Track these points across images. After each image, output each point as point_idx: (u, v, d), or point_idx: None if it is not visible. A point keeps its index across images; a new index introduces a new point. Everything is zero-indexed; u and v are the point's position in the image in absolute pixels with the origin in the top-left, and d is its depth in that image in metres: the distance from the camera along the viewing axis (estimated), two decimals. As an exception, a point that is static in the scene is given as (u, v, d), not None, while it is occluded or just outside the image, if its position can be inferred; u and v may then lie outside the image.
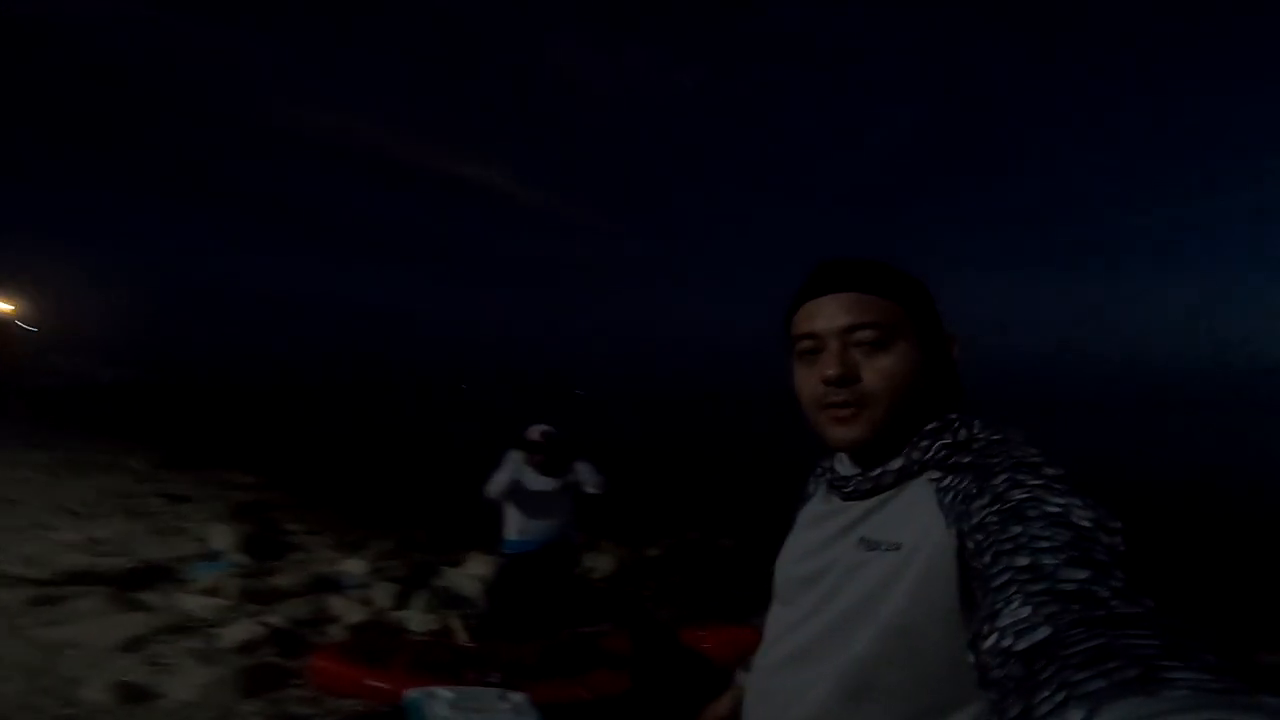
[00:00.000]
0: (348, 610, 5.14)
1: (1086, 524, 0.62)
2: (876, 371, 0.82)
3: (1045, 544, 0.60)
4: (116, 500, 9.61)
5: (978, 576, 0.65)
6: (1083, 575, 0.55)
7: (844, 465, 0.91)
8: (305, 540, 7.84)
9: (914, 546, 0.77)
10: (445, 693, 2.62)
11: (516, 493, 4.36)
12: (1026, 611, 0.54)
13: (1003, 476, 0.72)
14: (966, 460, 0.79)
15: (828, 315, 0.84)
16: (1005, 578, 0.59)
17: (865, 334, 0.82)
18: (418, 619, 4.97)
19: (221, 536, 6.95)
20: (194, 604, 4.96)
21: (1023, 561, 0.59)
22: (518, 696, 2.66)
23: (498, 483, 4.25)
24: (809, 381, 0.86)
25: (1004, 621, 0.54)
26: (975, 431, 0.83)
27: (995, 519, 0.67)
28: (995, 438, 0.81)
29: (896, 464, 0.83)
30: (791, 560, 0.96)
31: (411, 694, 2.59)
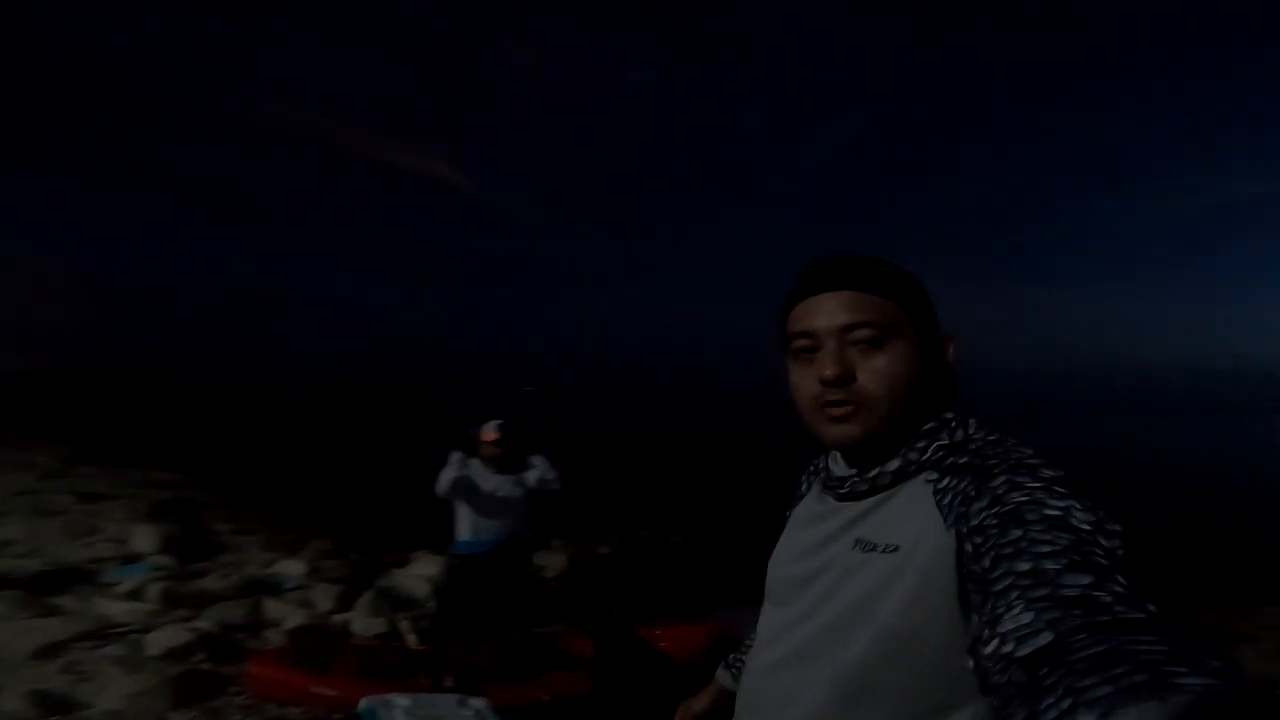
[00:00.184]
0: (285, 613, 4.89)
1: (1086, 527, 0.61)
2: (874, 371, 0.81)
3: (1046, 548, 0.59)
4: (22, 499, 8.94)
5: (977, 580, 0.64)
6: (1085, 580, 0.54)
7: (839, 465, 0.89)
8: (235, 540, 7.45)
9: (912, 548, 0.76)
10: (401, 700, 2.49)
11: (468, 491, 4.23)
12: (1029, 617, 0.53)
13: (1001, 478, 0.71)
14: (963, 461, 0.78)
15: (824, 314, 0.83)
16: (1006, 583, 0.58)
17: (863, 333, 0.81)
18: (363, 622, 4.76)
19: (142, 537, 6.54)
20: (114, 609, 4.64)
21: (1024, 566, 0.58)
22: (478, 702, 2.55)
23: (446, 479, 4.10)
24: (805, 381, 0.85)
25: (1006, 627, 0.54)
26: (972, 432, 0.82)
27: (994, 521, 0.66)
28: (992, 439, 0.80)
29: (893, 465, 0.82)
30: (785, 561, 0.94)
31: (366, 702, 2.45)
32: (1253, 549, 9.82)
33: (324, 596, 5.26)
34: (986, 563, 0.63)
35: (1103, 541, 0.60)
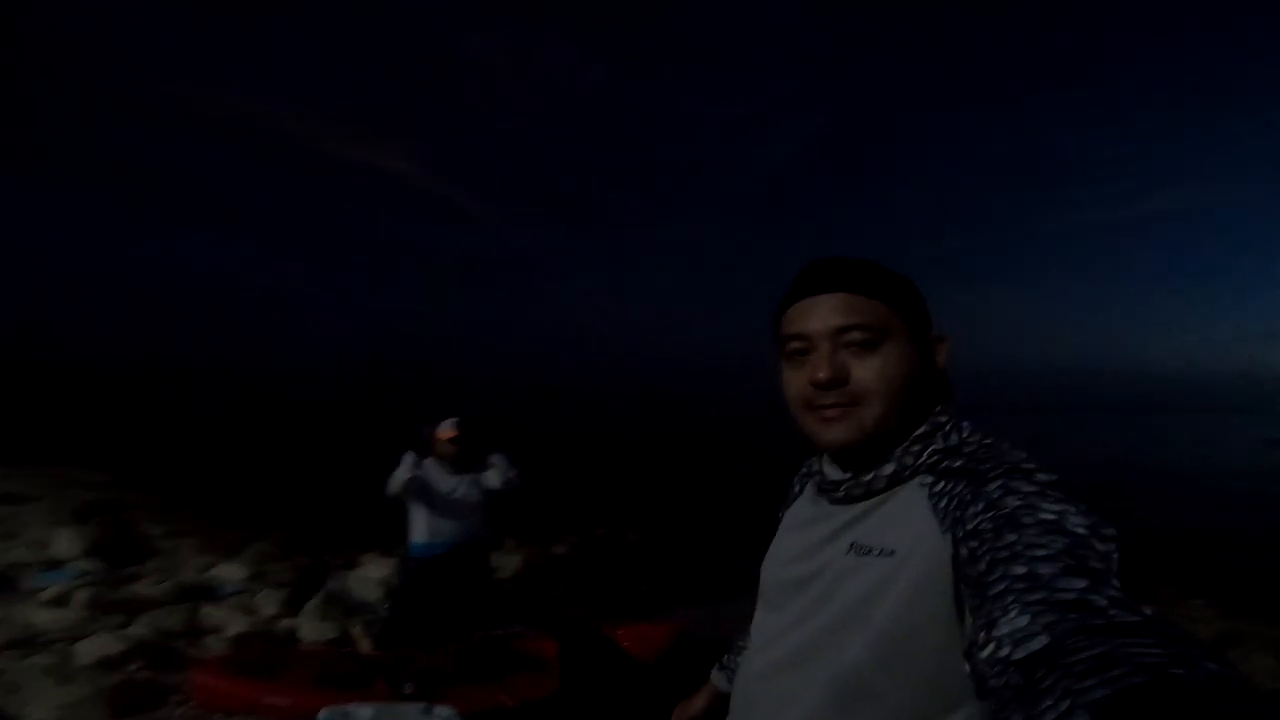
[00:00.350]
0: (227, 619, 4.66)
1: (1081, 531, 0.62)
2: (867, 373, 0.81)
3: (1041, 552, 0.60)
4: (-71, 500, 8.32)
5: (973, 584, 0.64)
6: (1080, 584, 0.55)
7: (833, 468, 0.89)
8: (168, 544, 7.08)
9: (908, 552, 0.76)
10: (364, 710, 2.37)
11: (423, 492, 4.10)
12: (1024, 620, 0.54)
13: (996, 483, 0.71)
14: (958, 465, 0.78)
15: (818, 316, 0.83)
16: (1002, 586, 0.59)
17: (856, 335, 0.81)
18: (311, 627, 4.57)
19: (65, 541, 6.15)
20: (39, 616, 4.34)
21: (1019, 570, 0.59)
22: (444, 710, 2.46)
23: (398, 480, 3.95)
24: (797, 382, 0.85)
25: (1001, 631, 0.55)
26: (966, 435, 0.82)
27: (990, 526, 0.66)
28: (987, 442, 0.81)
29: (889, 469, 0.82)
30: (779, 564, 0.94)
31: (326, 713, 2.33)
32: (1145, 543, 10.39)
33: (267, 601, 5.03)
34: (982, 567, 0.63)
35: (1097, 546, 0.61)
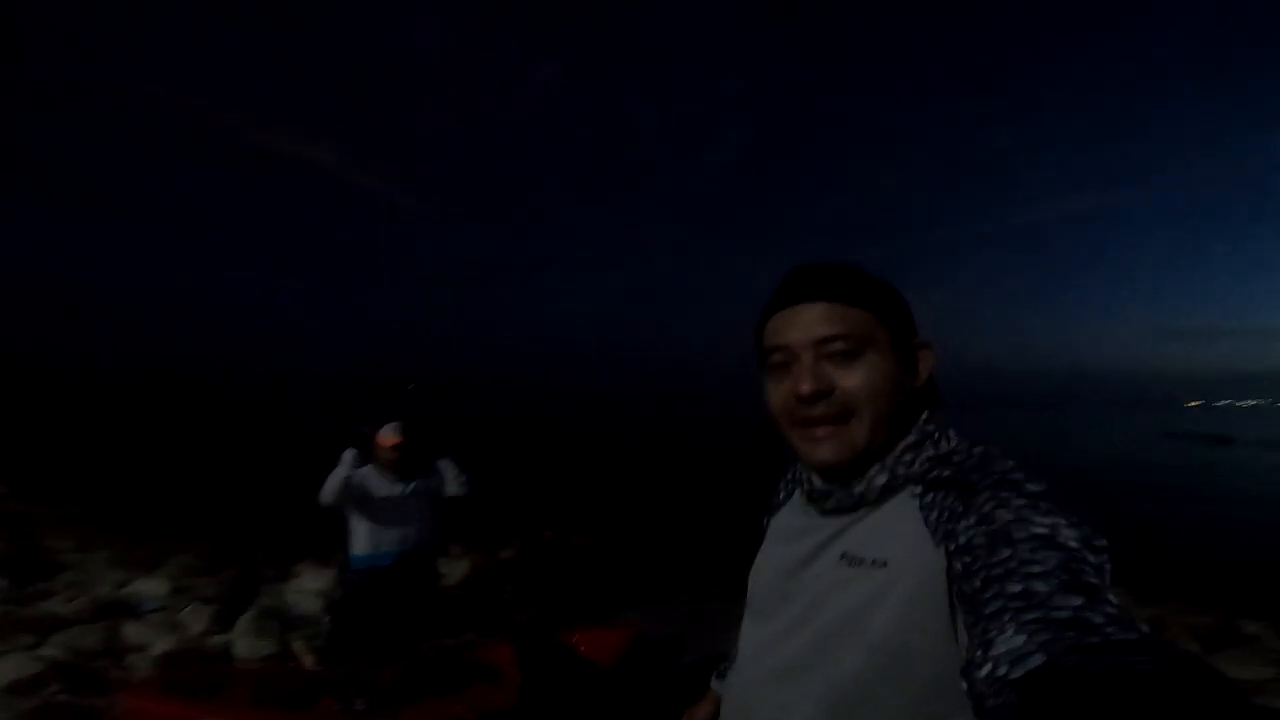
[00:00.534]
0: (150, 637, 4.36)
1: (1074, 544, 0.63)
2: (851, 384, 0.80)
3: (1036, 568, 0.60)
4: None
5: (967, 600, 0.65)
6: (1076, 602, 0.56)
7: (819, 479, 0.88)
8: (78, 558, 6.58)
9: (901, 564, 0.76)
10: (317, 728, 2.24)
11: (363, 500, 3.93)
12: (1021, 640, 0.54)
13: (986, 495, 0.72)
14: (947, 474, 0.78)
15: (799, 327, 0.82)
16: (997, 605, 0.59)
17: (838, 345, 0.80)
18: (246, 643, 4.31)
19: (-39, 558, 5.64)
20: (-63, 641, 3.94)
21: (1015, 588, 0.59)
22: (403, 725, 2.35)
23: (333, 485, 3.77)
24: (780, 395, 0.84)
25: (998, 650, 0.55)
26: (954, 444, 0.83)
27: (982, 541, 0.67)
28: (976, 450, 0.81)
29: (880, 480, 0.82)
30: (768, 573, 0.94)
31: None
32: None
33: (195, 617, 4.74)
34: (977, 583, 0.64)
35: (1090, 559, 0.62)
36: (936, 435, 0.83)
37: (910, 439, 0.83)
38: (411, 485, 4.12)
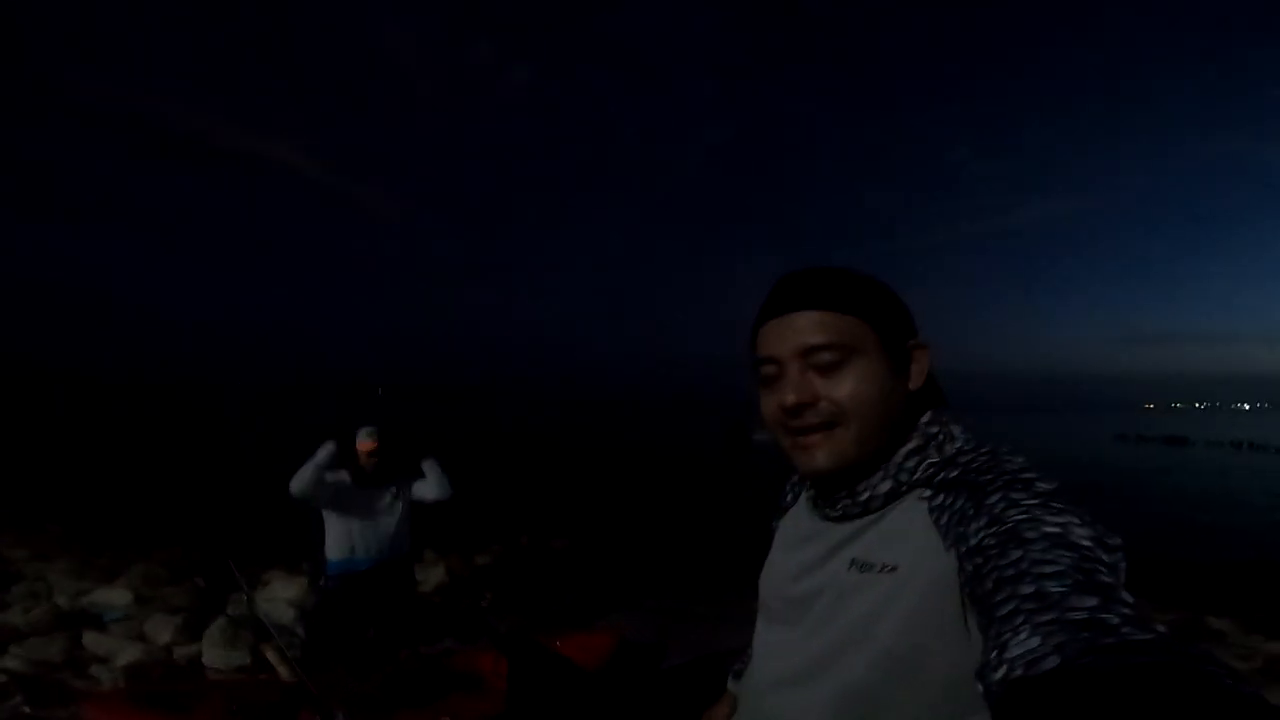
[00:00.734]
0: (115, 648, 4.22)
1: (1087, 544, 0.62)
2: (838, 393, 0.79)
3: (1049, 569, 0.59)
4: None
5: (980, 602, 0.64)
6: (1091, 602, 0.55)
7: (832, 484, 0.87)
8: (34, 568, 6.35)
9: (911, 568, 0.76)
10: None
11: (338, 504, 3.84)
12: (1035, 642, 0.53)
13: (997, 495, 0.71)
14: (954, 476, 0.78)
15: (786, 337, 0.81)
16: (1011, 606, 0.58)
17: (825, 355, 0.79)
18: (217, 654, 4.18)
19: (-89, 568, 5.40)
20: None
21: (1028, 589, 0.58)
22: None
23: (307, 474, 3.68)
24: (770, 406, 0.84)
25: (1013, 653, 0.54)
26: (960, 445, 0.82)
27: (993, 542, 0.66)
28: (983, 451, 0.80)
29: (884, 487, 0.81)
30: (779, 578, 0.93)
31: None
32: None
33: (161, 627, 4.59)
34: (989, 585, 0.63)
35: (1104, 557, 0.62)
36: (941, 437, 0.82)
37: (913, 443, 0.82)
38: (388, 491, 4.05)
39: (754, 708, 0.91)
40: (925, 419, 0.84)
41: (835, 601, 0.81)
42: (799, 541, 0.91)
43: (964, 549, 0.70)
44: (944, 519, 0.75)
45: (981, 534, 0.68)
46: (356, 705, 2.99)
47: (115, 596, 5.34)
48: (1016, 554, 0.62)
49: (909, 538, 0.77)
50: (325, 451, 3.81)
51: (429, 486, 4.16)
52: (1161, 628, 0.53)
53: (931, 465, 0.80)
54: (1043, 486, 0.70)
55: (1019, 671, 0.53)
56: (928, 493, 0.79)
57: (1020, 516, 0.66)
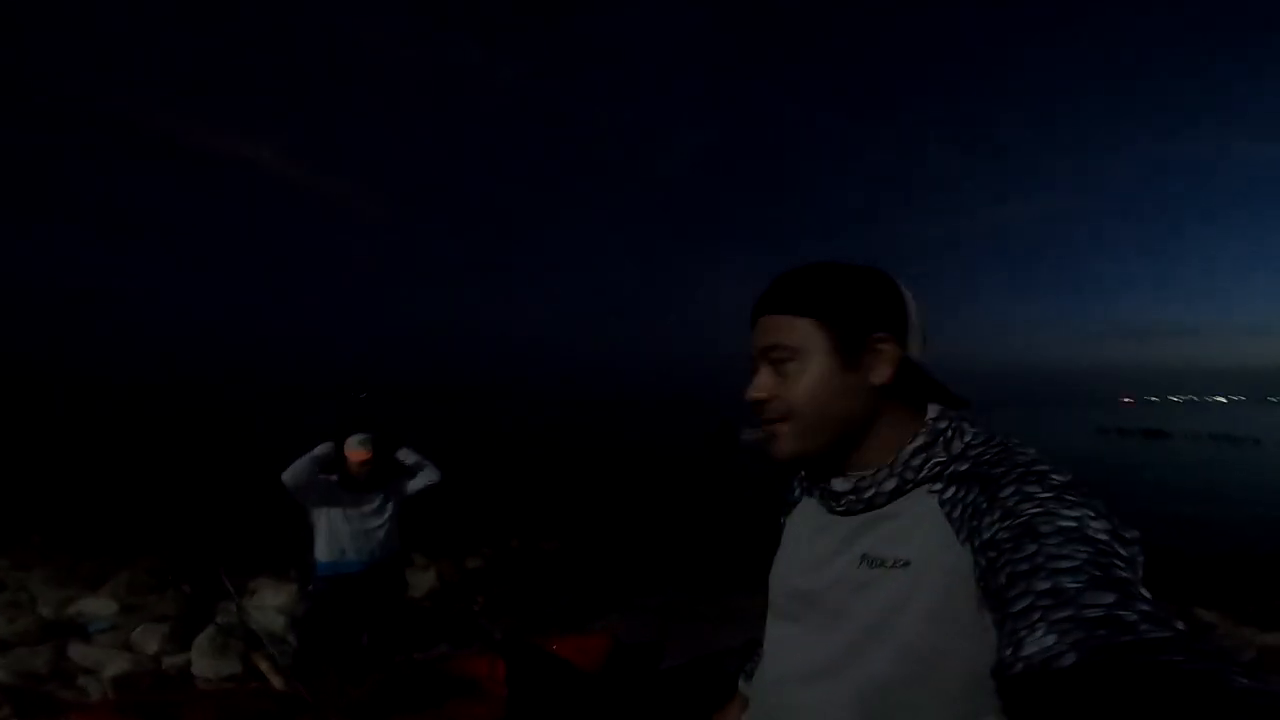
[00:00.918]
0: (102, 658, 4.14)
1: (1103, 537, 0.62)
2: (788, 390, 0.83)
3: (1065, 564, 0.59)
4: None
5: (994, 597, 0.64)
6: (1108, 599, 0.55)
7: (837, 479, 0.87)
8: (14, 577, 6.22)
9: (924, 563, 0.75)
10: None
11: (329, 508, 3.79)
12: (1052, 640, 0.53)
13: (1011, 488, 0.70)
14: (965, 469, 0.77)
15: (755, 338, 0.87)
16: (1026, 603, 0.58)
17: (777, 354, 0.84)
18: (207, 663, 4.11)
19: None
20: None
21: (1043, 585, 0.58)
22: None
23: (301, 467, 3.62)
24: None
25: (1029, 650, 0.54)
26: (969, 439, 0.81)
27: (1007, 536, 0.65)
28: (995, 443, 0.80)
29: (890, 484, 0.82)
30: (790, 574, 0.93)
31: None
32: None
33: (148, 637, 4.52)
34: (1003, 580, 0.62)
35: (1121, 551, 0.61)
36: (950, 434, 0.81)
37: (920, 440, 0.82)
38: (379, 496, 4.00)
39: (771, 706, 0.90)
40: (933, 415, 0.84)
41: (849, 597, 0.81)
42: (809, 536, 0.91)
43: (978, 543, 0.69)
44: (956, 512, 0.74)
45: (995, 528, 0.67)
46: (352, 713, 2.96)
47: (100, 606, 5.25)
48: (1031, 548, 0.62)
49: (920, 532, 0.77)
50: (323, 448, 3.77)
51: (419, 478, 4.11)
52: (1181, 625, 0.52)
53: (938, 463, 0.79)
54: (1057, 479, 0.69)
55: (1035, 669, 0.52)
56: (939, 486, 0.78)
57: (1034, 510, 0.65)
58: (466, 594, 5.87)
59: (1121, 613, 0.53)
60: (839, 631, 0.81)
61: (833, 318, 0.82)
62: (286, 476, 3.61)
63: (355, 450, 3.86)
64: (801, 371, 0.83)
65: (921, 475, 0.80)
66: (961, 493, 0.75)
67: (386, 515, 4.02)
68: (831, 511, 0.87)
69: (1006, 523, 0.66)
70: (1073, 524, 0.63)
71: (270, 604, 5.26)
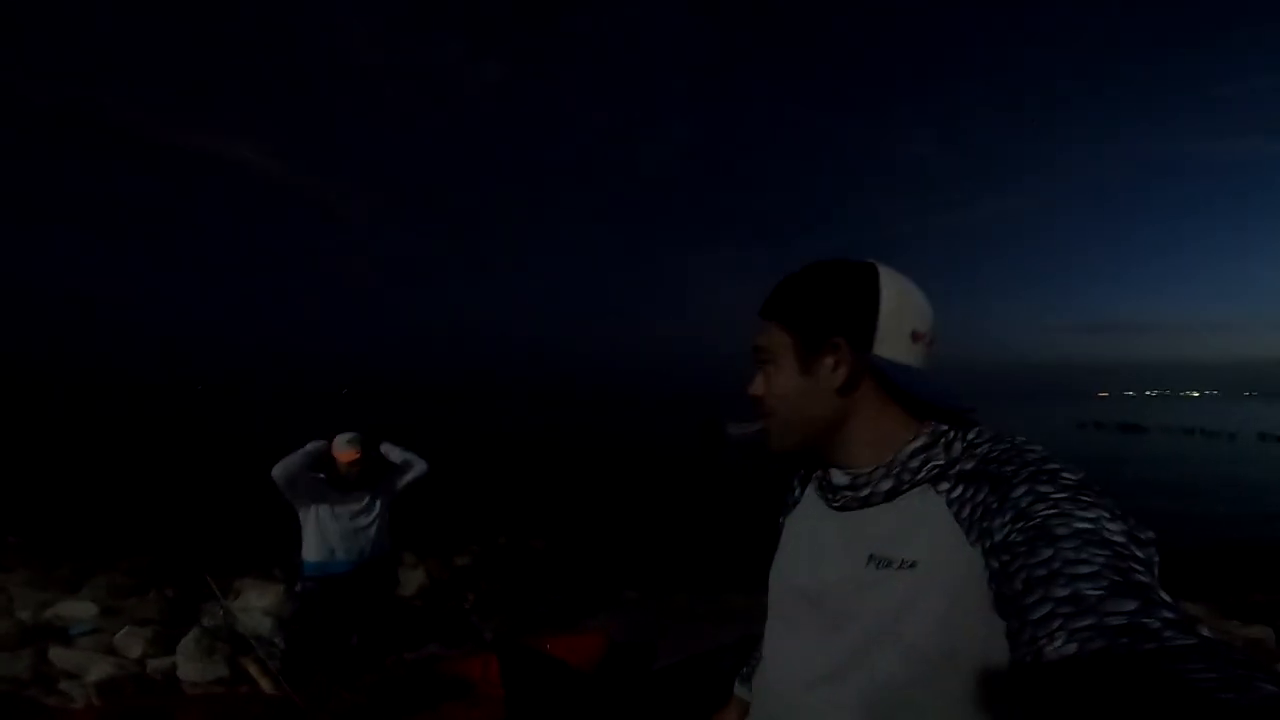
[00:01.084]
0: (85, 663, 4.05)
1: (1120, 539, 0.61)
2: (769, 390, 0.88)
3: (1083, 569, 0.58)
4: None
5: (1010, 603, 0.62)
6: (1130, 606, 0.54)
7: (837, 474, 0.87)
8: (-10, 579, 6.08)
9: (932, 564, 0.74)
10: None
11: (316, 504, 3.73)
12: (1073, 649, 0.52)
13: (1022, 488, 0.68)
14: (971, 467, 0.75)
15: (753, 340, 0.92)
16: (1045, 610, 0.57)
17: (759, 356, 0.89)
18: (193, 667, 4.02)
19: None
20: None
21: (1062, 592, 0.57)
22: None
23: (290, 462, 3.56)
24: None
25: (1050, 659, 0.53)
26: (972, 438, 0.79)
27: (1021, 538, 0.64)
28: (1003, 443, 0.77)
29: (885, 485, 0.81)
30: (791, 574, 0.91)
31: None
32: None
33: (131, 640, 4.42)
34: (1019, 585, 0.61)
35: (1138, 554, 0.60)
36: (951, 436, 0.80)
37: (919, 442, 0.80)
38: (369, 495, 3.94)
39: (773, 710, 0.88)
40: (935, 420, 0.82)
41: (855, 598, 0.79)
42: (809, 535, 0.90)
43: (989, 544, 0.67)
44: (964, 512, 0.72)
45: (1008, 529, 0.65)
46: (345, 716, 2.91)
47: (79, 609, 5.14)
48: (1047, 552, 0.60)
49: (926, 531, 0.75)
50: (314, 445, 3.71)
51: (408, 473, 4.06)
52: (1206, 631, 0.51)
53: (936, 466, 0.78)
54: (1069, 478, 0.67)
55: (1057, 678, 0.51)
56: (946, 485, 0.76)
57: (1049, 511, 0.64)
58: (456, 592, 5.82)
59: (1145, 620, 0.52)
60: (844, 633, 0.79)
61: (793, 322, 0.85)
62: (277, 472, 3.55)
63: (344, 450, 3.80)
64: (776, 374, 0.86)
65: (920, 477, 0.78)
66: (970, 492, 0.73)
67: (375, 513, 3.96)
68: (830, 506, 0.86)
69: (1020, 524, 0.64)
70: (1089, 526, 0.61)
71: (255, 605, 5.17)
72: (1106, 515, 0.62)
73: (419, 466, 4.06)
